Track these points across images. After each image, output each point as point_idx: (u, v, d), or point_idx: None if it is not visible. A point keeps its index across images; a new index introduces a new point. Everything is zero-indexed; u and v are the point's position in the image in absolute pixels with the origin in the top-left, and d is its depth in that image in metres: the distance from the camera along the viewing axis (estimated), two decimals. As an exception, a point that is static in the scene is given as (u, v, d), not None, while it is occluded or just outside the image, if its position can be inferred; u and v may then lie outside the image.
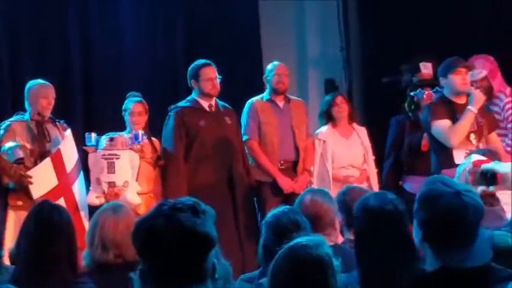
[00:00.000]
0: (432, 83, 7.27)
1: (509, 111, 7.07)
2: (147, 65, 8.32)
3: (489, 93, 7.04)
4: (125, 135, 6.75)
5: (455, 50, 7.32)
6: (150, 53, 8.36)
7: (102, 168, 6.62)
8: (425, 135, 7.00)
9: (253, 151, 7.19)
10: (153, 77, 8.28)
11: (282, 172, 7.16)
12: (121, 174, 6.62)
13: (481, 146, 6.22)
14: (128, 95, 7.00)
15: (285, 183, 7.10)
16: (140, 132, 6.75)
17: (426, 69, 7.49)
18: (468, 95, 6.32)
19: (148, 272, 2.41)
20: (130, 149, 6.67)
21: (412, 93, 7.24)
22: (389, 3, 8.56)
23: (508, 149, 6.93)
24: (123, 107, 6.92)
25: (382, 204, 3.59)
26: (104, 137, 6.70)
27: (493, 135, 6.52)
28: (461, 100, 6.34)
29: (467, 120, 6.24)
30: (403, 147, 7.32)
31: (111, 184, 6.58)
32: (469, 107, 6.25)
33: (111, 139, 6.68)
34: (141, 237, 2.43)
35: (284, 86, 7.34)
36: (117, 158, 6.61)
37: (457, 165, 5.63)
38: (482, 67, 7.10)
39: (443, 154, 6.27)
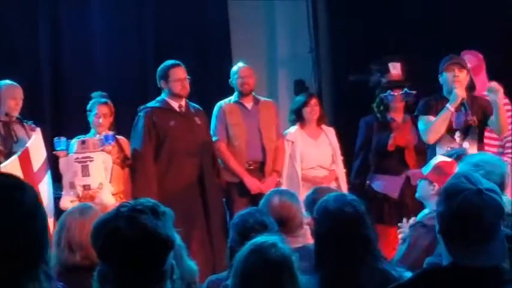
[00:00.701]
0: (401, 84, 7.31)
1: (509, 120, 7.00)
2: (117, 66, 8.28)
3: (469, 87, 7.03)
4: (94, 137, 6.74)
5: (425, 50, 7.40)
6: (119, 53, 8.32)
7: (76, 171, 6.58)
8: (392, 135, 7.05)
9: (221, 153, 7.21)
10: (123, 78, 8.24)
11: (249, 173, 7.20)
12: (95, 177, 6.59)
13: (466, 144, 6.25)
14: (95, 94, 6.97)
15: (252, 184, 7.13)
16: (111, 133, 6.74)
17: (395, 69, 7.51)
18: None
19: (107, 273, 2.41)
20: (102, 150, 6.65)
21: (381, 95, 7.27)
22: (358, 4, 8.59)
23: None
24: (88, 107, 6.89)
25: (342, 206, 3.62)
26: (74, 140, 6.68)
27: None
28: None
29: (442, 118, 6.26)
30: (371, 147, 7.36)
31: (86, 187, 6.55)
32: (447, 105, 6.28)
33: (83, 142, 6.66)
34: (102, 239, 2.44)
35: (249, 86, 7.36)
36: (91, 161, 6.58)
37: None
38: (468, 61, 7.12)
39: (430, 150, 6.32)
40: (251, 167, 7.24)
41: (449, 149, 6.08)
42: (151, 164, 6.84)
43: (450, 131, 6.29)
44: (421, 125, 6.44)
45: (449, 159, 4.96)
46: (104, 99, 6.88)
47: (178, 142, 6.91)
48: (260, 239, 3.17)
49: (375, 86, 7.58)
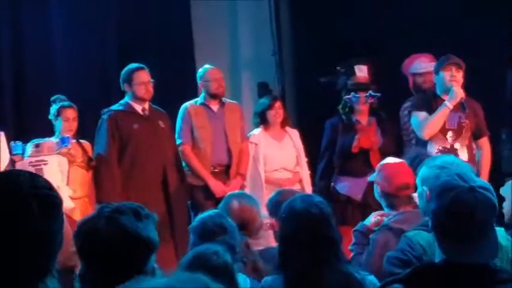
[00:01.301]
0: (366, 86, 7.32)
1: None
2: (80, 68, 8.20)
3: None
4: (52, 140, 6.69)
5: (389, 51, 7.41)
6: (81, 55, 8.23)
7: (31, 175, 6.52)
8: (356, 136, 7.06)
9: (186, 155, 7.19)
10: (85, 80, 8.17)
11: (214, 176, 7.18)
12: (50, 180, 6.51)
13: (457, 145, 6.33)
14: (55, 98, 6.91)
15: (217, 187, 7.10)
16: (67, 135, 6.70)
17: (361, 72, 7.51)
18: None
19: (87, 274, 2.42)
20: (58, 153, 6.60)
21: (345, 98, 7.28)
22: (322, 5, 8.58)
23: None
24: (53, 112, 6.85)
25: (308, 207, 3.62)
26: (29, 144, 6.63)
27: (483, 141, 6.61)
28: None
29: (440, 114, 6.32)
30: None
31: (41, 191, 6.50)
32: (445, 102, 6.33)
33: (37, 145, 6.62)
34: (82, 238, 2.47)
35: (223, 89, 7.36)
36: (45, 164, 6.54)
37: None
38: (421, 63, 7.16)
39: (420, 147, 6.34)
40: (216, 170, 7.23)
41: (441, 148, 6.14)
42: (115, 166, 6.82)
43: (443, 130, 6.35)
44: (414, 120, 6.49)
45: (396, 160, 4.94)
46: (69, 103, 6.85)
47: (142, 145, 6.89)
48: (203, 246, 3.20)
49: (341, 89, 7.58)
